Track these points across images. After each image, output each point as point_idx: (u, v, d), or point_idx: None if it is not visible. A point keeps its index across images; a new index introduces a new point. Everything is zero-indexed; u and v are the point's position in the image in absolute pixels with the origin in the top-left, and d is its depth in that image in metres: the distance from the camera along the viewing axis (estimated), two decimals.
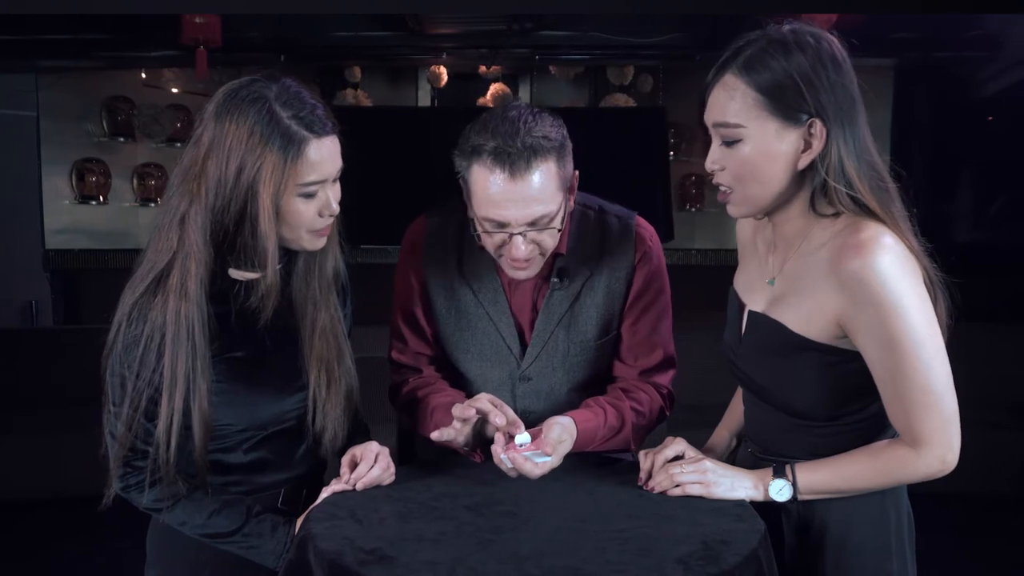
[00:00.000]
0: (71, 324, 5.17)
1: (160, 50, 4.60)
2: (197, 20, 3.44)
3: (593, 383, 1.55)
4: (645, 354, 1.55)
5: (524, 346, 1.52)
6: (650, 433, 1.56)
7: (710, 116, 1.20)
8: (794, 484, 1.21)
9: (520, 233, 1.36)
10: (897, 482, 1.20)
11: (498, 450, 1.31)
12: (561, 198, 1.39)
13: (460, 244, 1.54)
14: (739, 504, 1.22)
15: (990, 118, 5.09)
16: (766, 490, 1.23)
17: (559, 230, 1.40)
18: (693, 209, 5.69)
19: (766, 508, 1.22)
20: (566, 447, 1.36)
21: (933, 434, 1.13)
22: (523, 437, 1.33)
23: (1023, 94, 4.59)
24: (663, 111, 5.31)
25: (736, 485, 1.24)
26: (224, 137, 1.17)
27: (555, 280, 1.49)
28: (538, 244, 1.39)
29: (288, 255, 1.32)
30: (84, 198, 5.18)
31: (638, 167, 4.93)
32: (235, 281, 1.28)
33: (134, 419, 1.20)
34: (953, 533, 3.49)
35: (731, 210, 1.24)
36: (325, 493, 1.30)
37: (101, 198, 5.22)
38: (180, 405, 1.19)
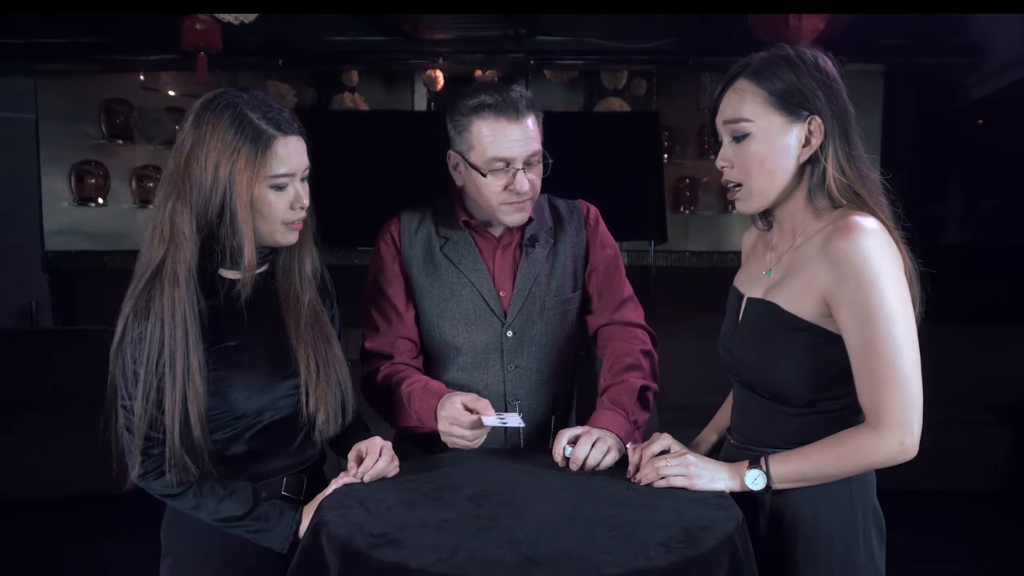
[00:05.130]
0: (70, 325, 5.20)
1: (159, 54, 4.65)
2: (197, 27, 3.49)
3: (566, 337, 1.74)
4: (613, 297, 1.78)
5: (504, 307, 1.69)
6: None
7: (723, 116, 1.34)
8: (767, 473, 1.28)
9: (521, 168, 1.58)
10: (861, 466, 1.27)
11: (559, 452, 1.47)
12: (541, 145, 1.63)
13: (437, 229, 1.72)
14: (719, 495, 1.29)
15: (980, 121, 5.17)
16: (742, 480, 1.30)
17: (546, 167, 1.65)
18: (687, 211, 5.75)
19: (744, 502, 1.30)
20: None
21: (894, 414, 1.20)
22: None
23: (1009, 98, 4.67)
24: (656, 115, 5.37)
25: (716, 477, 1.32)
26: (202, 140, 1.31)
27: (527, 245, 1.72)
28: (532, 182, 1.62)
29: (272, 254, 1.43)
30: (83, 200, 5.21)
31: (632, 170, 4.99)
32: (225, 281, 1.39)
33: (146, 409, 1.28)
34: (939, 529, 3.57)
35: (740, 206, 1.36)
36: (334, 485, 1.37)
37: (100, 200, 5.26)
38: (181, 387, 1.28)
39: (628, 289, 1.81)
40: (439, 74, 5.51)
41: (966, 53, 4.66)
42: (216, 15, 3.20)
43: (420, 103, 5.97)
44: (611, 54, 4.93)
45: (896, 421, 1.20)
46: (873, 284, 1.19)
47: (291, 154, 1.35)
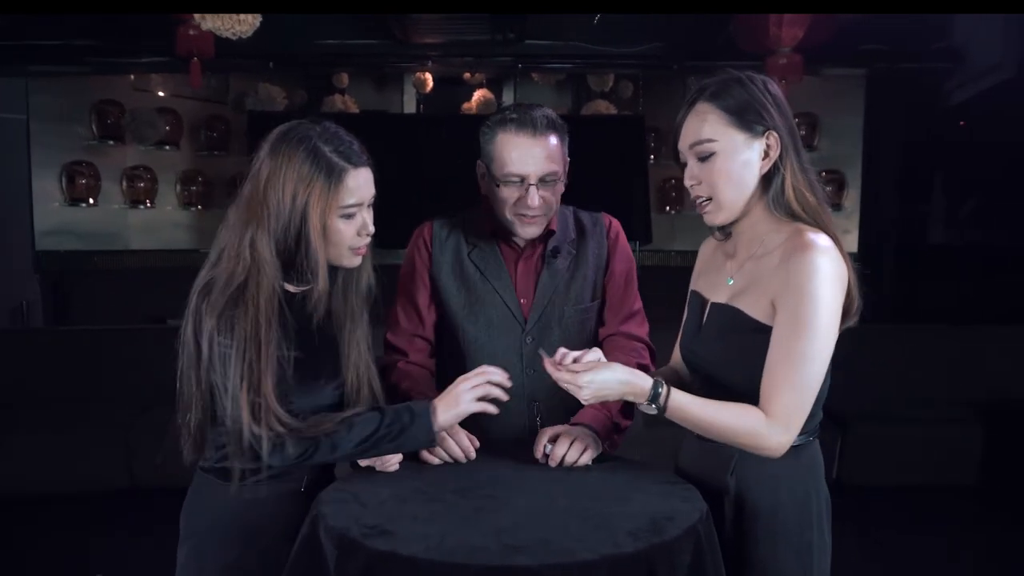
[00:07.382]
0: (61, 325, 5.22)
1: (152, 57, 4.69)
2: (191, 33, 3.55)
3: (584, 344, 1.75)
4: (622, 309, 1.85)
5: (524, 315, 1.79)
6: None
7: (686, 140, 1.45)
8: (667, 397, 1.37)
9: (535, 185, 1.67)
10: (738, 437, 1.36)
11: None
12: (563, 166, 1.72)
13: (466, 237, 1.83)
14: (686, 488, 1.40)
15: (962, 123, 5.28)
16: (642, 400, 1.38)
17: (562, 184, 1.72)
18: (673, 212, 5.84)
19: (709, 492, 1.40)
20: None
21: (783, 412, 1.32)
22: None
23: (988, 101, 4.77)
24: (642, 119, 5.46)
25: (601, 393, 1.39)
26: (279, 171, 1.40)
27: (549, 256, 1.80)
28: (544, 199, 1.70)
29: (333, 271, 1.51)
30: (74, 200, 5.22)
31: (618, 172, 5.07)
32: (292, 295, 1.48)
33: (249, 411, 1.35)
34: (923, 522, 3.68)
35: (708, 219, 1.47)
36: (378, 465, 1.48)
37: (91, 200, 5.27)
38: (269, 387, 1.36)
39: (638, 303, 1.88)
40: (428, 77, 5.58)
41: (947, 58, 4.77)
42: (214, 31, 3.26)
43: (409, 105, 6.04)
44: (598, 58, 5.00)
45: (782, 419, 1.32)
46: (812, 299, 1.30)
47: (360, 185, 1.45)
